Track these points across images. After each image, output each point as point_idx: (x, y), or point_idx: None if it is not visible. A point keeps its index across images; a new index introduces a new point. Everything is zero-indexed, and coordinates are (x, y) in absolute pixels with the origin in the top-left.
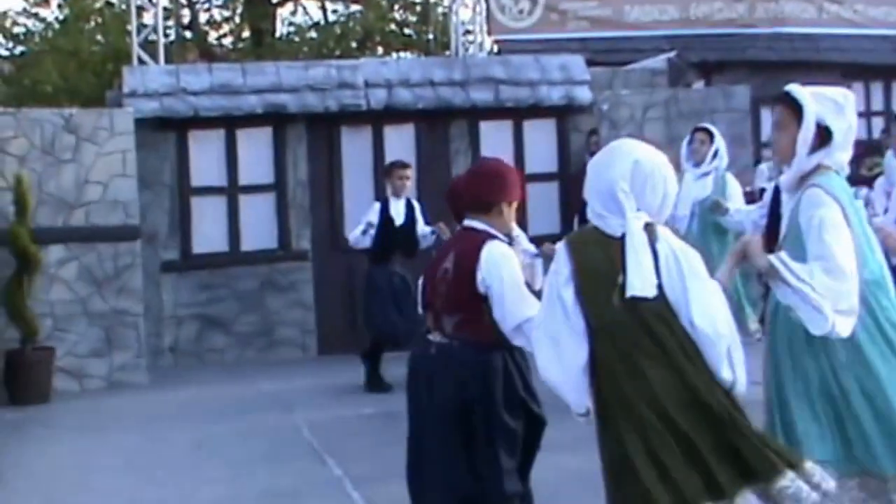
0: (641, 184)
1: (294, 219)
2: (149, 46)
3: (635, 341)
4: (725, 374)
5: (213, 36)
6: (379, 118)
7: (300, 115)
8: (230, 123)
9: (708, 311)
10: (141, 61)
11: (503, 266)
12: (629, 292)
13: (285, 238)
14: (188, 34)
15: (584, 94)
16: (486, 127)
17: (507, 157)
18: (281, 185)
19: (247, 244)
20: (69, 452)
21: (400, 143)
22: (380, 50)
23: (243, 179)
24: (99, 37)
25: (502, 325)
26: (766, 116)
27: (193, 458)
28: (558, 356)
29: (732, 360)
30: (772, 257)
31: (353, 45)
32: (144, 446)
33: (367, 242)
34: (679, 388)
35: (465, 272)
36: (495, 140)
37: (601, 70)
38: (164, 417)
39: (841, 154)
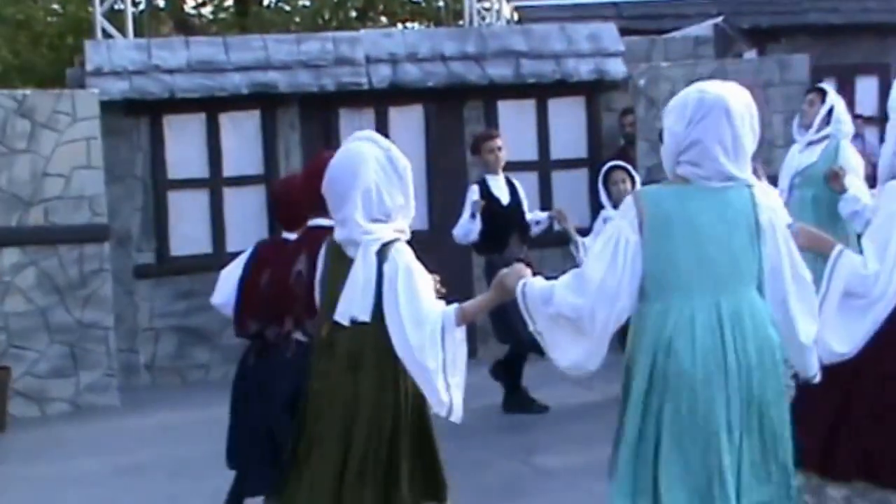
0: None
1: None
2: (115, 17)
3: None
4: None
5: (189, 5)
6: (382, 98)
7: (292, 96)
8: (211, 106)
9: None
10: (106, 34)
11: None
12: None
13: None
14: (161, 3)
15: (617, 68)
16: (505, 107)
17: (530, 141)
18: (271, 176)
19: (233, 245)
20: (29, 488)
21: (406, 126)
22: (383, 20)
23: (228, 170)
24: (56, 5)
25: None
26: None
27: (172, 490)
28: None
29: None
30: None
31: (353, 14)
32: (116, 479)
33: (476, 232)
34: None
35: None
36: (516, 121)
37: (637, 39)
38: (139, 444)
39: None
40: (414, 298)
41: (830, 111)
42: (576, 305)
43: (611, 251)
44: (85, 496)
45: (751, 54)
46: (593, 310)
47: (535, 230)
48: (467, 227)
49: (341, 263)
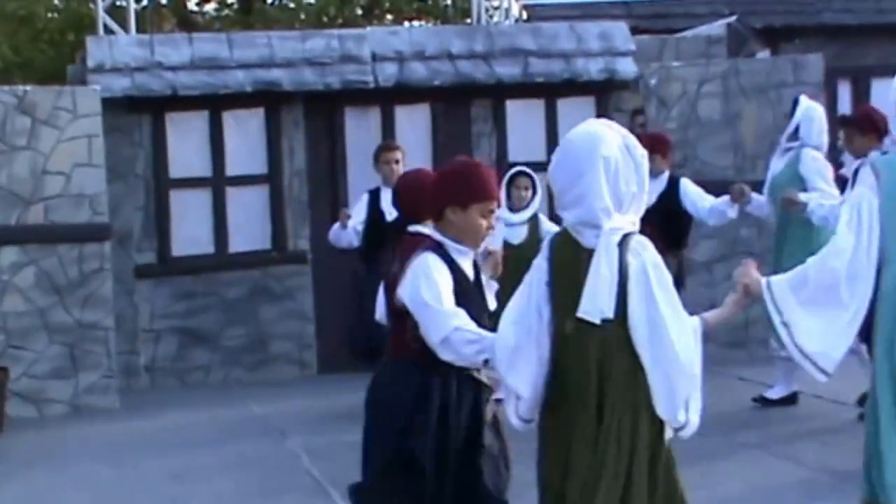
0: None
1: (290, 215)
2: (117, 13)
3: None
4: (681, 416)
5: (193, 1)
6: (389, 97)
7: (296, 94)
8: (214, 104)
9: (684, 346)
10: (108, 30)
11: (413, 278)
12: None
13: (280, 238)
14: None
15: (627, 68)
16: (513, 107)
17: (538, 141)
18: (275, 176)
19: (235, 245)
20: (26, 491)
21: (413, 125)
22: (389, 17)
23: (231, 170)
24: (57, 1)
25: (428, 340)
26: (844, 91)
27: (173, 493)
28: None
29: (689, 403)
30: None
31: (358, 12)
32: (116, 481)
33: (348, 239)
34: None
35: (395, 283)
36: (524, 122)
37: (648, 38)
38: (139, 447)
39: None
40: (670, 299)
41: (797, 127)
42: (834, 268)
43: (857, 217)
44: (83, 500)
45: (764, 54)
46: (853, 273)
47: None
48: (336, 234)
49: (574, 253)
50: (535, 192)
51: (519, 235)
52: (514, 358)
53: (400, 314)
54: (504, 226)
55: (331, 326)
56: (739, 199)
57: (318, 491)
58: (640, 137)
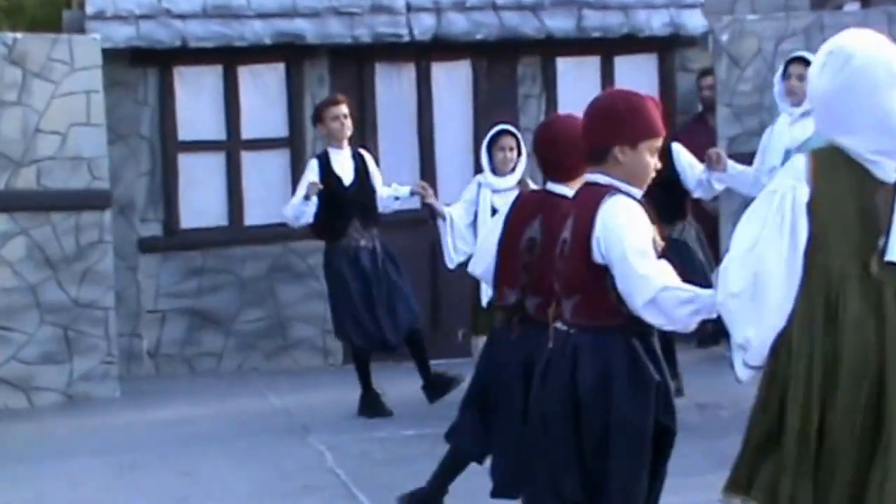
0: None
1: None
2: None
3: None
4: None
5: None
6: (425, 52)
7: (321, 48)
8: (229, 57)
9: None
10: None
11: (617, 227)
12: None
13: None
14: None
15: (695, 21)
16: (564, 65)
17: None
18: (296, 139)
19: (252, 217)
20: (14, 489)
21: (451, 85)
22: None
23: (247, 132)
24: None
25: (630, 302)
26: None
27: (181, 494)
28: (757, 303)
29: None
30: None
31: None
32: (115, 480)
33: (310, 215)
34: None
35: (581, 240)
36: (576, 82)
37: None
38: (142, 442)
39: None
40: None
41: None
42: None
43: None
44: (78, 499)
45: (853, 6)
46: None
47: (392, 206)
48: (298, 209)
49: (860, 183)
50: (520, 153)
51: (508, 202)
52: (752, 304)
53: (593, 275)
54: (490, 192)
55: None
56: (716, 167)
57: (344, 494)
58: (710, 101)
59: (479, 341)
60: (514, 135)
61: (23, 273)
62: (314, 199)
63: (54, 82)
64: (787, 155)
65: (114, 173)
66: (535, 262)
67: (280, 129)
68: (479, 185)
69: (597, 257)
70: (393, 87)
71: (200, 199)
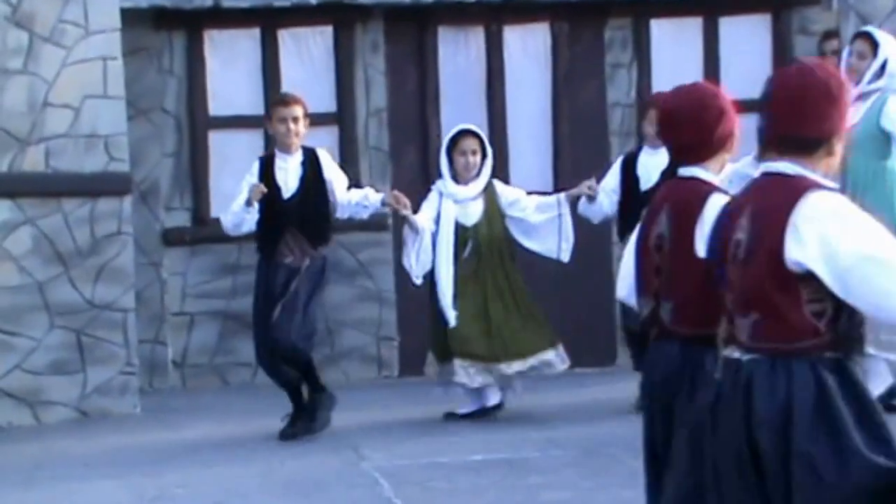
0: None
1: (366, 167)
2: None
3: None
4: None
5: None
6: (495, 14)
7: (375, 9)
8: (268, 20)
9: None
10: None
11: (839, 225)
12: None
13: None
14: None
15: None
16: (660, 28)
17: (693, 73)
18: (345, 115)
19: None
20: None
21: (526, 52)
22: None
23: None
24: None
25: (877, 314)
26: None
27: None
28: None
29: None
30: None
31: None
32: None
33: (251, 223)
34: None
35: (768, 244)
36: (674, 48)
37: None
38: (166, 464)
39: None
40: None
41: (884, 65)
42: None
43: None
44: None
45: None
46: None
47: (360, 214)
48: (238, 217)
49: None
50: (485, 156)
51: (473, 213)
52: None
53: (783, 285)
54: (452, 203)
55: (418, 313)
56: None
57: None
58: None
59: (444, 368)
60: (477, 136)
61: (29, 269)
62: (256, 205)
63: (66, 48)
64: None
65: (134, 154)
66: (665, 261)
67: (327, 103)
68: (441, 194)
69: (791, 264)
70: (458, 55)
71: (234, 183)
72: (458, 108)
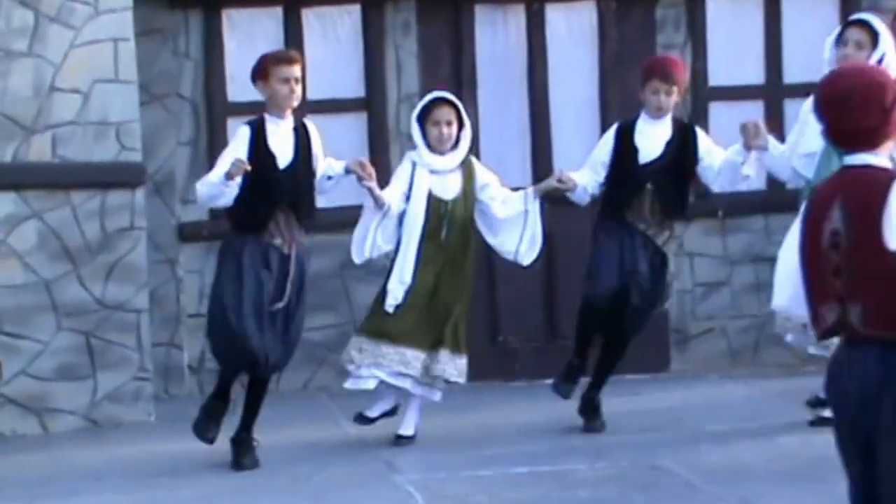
0: None
1: (397, 155)
2: None
3: None
4: None
5: None
6: None
7: None
8: None
9: None
10: None
11: None
12: None
13: (383, 186)
14: None
15: None
16: (717, 6)
17: (753, 56)
18: (375, 100)
19: (320, 198)
20: None
21: (571, 32)
22: None
23: (314, 91)
24: None
25: None
26: None
27: None
28: None
29: None
30: None
31: None
32: None
33: (228, 197)
34: None
35: (867, 228)
36: (732, 27)
37: None
38: (182, 476)
39: None
40: None
41: (882, 59)
42: None
43: None
44: None
45: None
46: None
47: (325, 188)
48: (216, 189)
49: None
50: (461, 125)
51: (451, 187)
52: None
53: (883, 271)
54: (428, 173)
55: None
56: (755, 142)
57: None
58: None
59: (362, 342)
60: (452, 104)
61: (35, 267)
62: (238, 179)
63: (74, 28)
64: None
65: (148, 142)
66: (846, 260)
67: (355, 87)
68: (413, 164)
69: (892, 246)
70: (497, 36)
71: None
72: (496, 93)
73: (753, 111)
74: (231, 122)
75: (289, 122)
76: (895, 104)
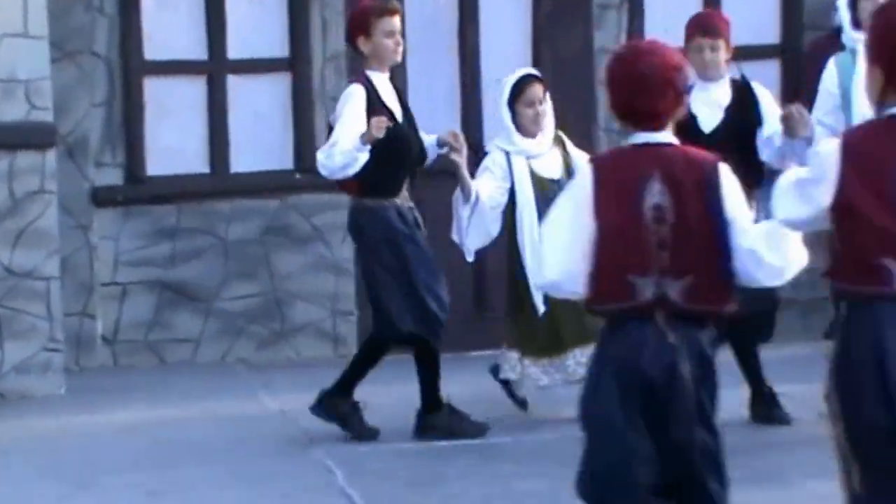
0: None
1: (323, 120)
2: None
3: None
4: None
5: None
6: None
7: None
8: None
9: None
10: None
11: None
12: None
13: (307, 153)
14: None
15: None
16: None
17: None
18: (299, 61)
19: (240, 161)
20: None
21: None
22: None
23: (235, 50)
24: None
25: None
26: None
27: None
28: None
29: None
30: None
31: None
32: (59, 502)
33: (361, 163)
34: None
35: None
36: None
37: None
38: (95, 454)
39: None
40: None
41: None
42: None
43: None
44: None
45: None
46: None
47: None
48: (351, 156)
49: None
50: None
51: (553, 167)
52: None
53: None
54: (525, 160)
55: None
56: (793, 130)
57: None
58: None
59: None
60: (541, 81)
61: None
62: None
63: None
64: (847, 100)
65: (59, 102)
66: (669, 234)
67: (278, 47)
68: (507, 154)
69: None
70: None
71: (174, 137)
72: (426, 54)
73: (769, 70)
74: (148, 82)
75: (387, 77)
76: (686, 87)
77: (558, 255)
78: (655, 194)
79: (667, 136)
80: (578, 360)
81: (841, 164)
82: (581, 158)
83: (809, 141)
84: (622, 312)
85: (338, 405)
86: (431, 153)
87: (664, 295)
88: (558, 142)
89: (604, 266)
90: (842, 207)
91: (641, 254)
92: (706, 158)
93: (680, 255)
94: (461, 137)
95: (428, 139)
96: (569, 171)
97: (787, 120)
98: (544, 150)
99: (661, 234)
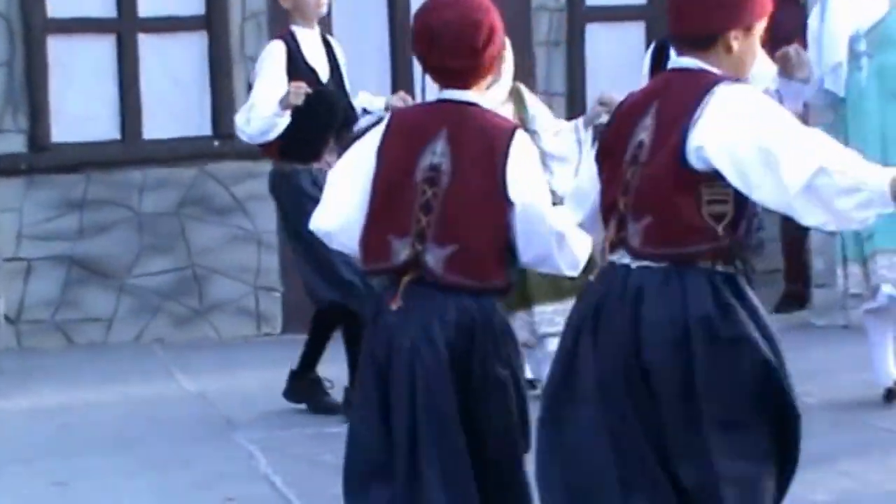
0: None
1: (241, 80)
2: None
3: None
4: None
5: None
6: None
7: None
8: None
9: None
10: None
11: (744, 115)
12: None
13: (224, 118)
14: None
15: None
16: None
17: None
18: (216, 18)
19: (153, 128)
20: None
21: None
22: None
23: (146, 7)
24: None
25: (776, 195)
26: None
27: None
28: None
29: None
30: None
31: None
32: None
33: (281, 128)
34: None
35: (673, 141)
36: None
37: None
38: None
39: None
40: None
41: None
42: None
43: None
44: None
45: None
46: None
47: (359, 123)
48: (269, 122)
49: None
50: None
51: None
52: None
53: (683, 184)
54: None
55: None
56: (795, 72)
57: None
58: None
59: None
60: None
61: None
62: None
63: None
64: (854, 45)
65: None
66: (440, 197)
67: (193, 4)
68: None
69: (694, 160)
70: None
71: (81, 101)
72: (352, 11)
73: (634, 33)
74: (51, 42)
75: (316, 32)
76: (489, 44)
77: (337, 203)
78: (436, 154)
79: (472, 95)
80: (546, 316)
81: None
82: (541, 114)
83: (806, 82)
84: (383, 275)
85: (302, 384)
86: (365, 115)
87: (418, 260)
88: (515, 95)
89: (369, 222)
90: None
91: (402, 213)
92: (503, 125)
93: (444, 222)
94: (409, 100)
95: (376, 102)
96: (523, 125)
97: (783, 60)
98: (498, 102)
99: (428, 196)
